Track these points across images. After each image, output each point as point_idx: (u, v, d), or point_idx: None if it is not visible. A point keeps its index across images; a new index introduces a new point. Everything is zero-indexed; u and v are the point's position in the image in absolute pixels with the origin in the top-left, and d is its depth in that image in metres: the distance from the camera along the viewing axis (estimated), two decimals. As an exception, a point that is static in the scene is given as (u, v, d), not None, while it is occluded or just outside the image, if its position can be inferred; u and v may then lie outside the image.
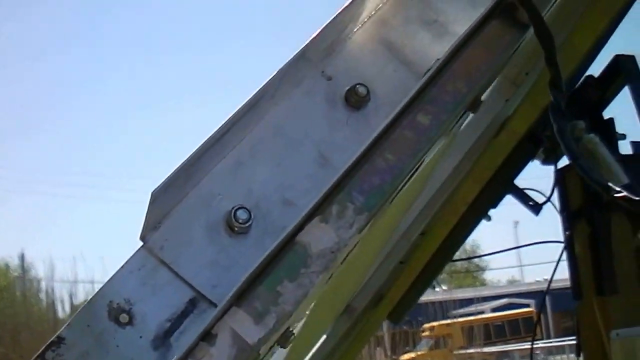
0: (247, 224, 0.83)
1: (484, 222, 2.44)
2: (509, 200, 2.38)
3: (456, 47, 0.96)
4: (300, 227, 0.83)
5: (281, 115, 0.91)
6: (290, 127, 0.91)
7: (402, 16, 1.02)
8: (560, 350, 17.97)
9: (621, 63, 2.37)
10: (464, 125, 1.95)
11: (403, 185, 1.17)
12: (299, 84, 0.94)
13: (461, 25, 0.99)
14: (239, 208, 0.84)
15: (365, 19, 1.00)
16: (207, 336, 0.78)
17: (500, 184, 2.18)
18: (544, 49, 0.96)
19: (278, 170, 0.88)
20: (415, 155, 0.89)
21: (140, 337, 0.78)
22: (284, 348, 0.84)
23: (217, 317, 0.78)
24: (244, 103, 0.88)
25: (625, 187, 0.88)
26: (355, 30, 0.99)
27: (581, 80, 2.37)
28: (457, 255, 2.67)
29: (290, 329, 0.84)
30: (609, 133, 2.38)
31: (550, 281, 2.51)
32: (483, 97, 2.05)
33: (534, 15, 0.95)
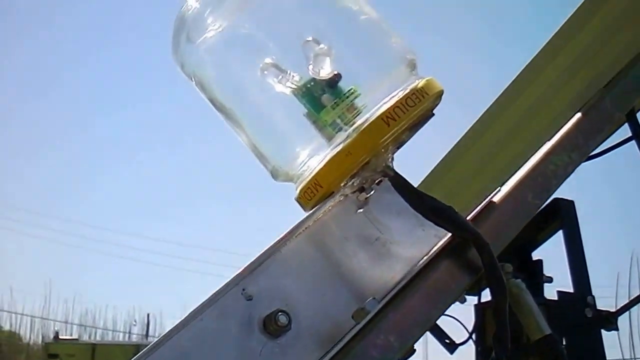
0: None
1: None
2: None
3: (397, 292, 0.91)
4: None
5: (189, 338, 0.86)
6: (197, 353, 0.86)
7: (340, 231, 0.98)
8: None
9: (559, 207, 2.36)
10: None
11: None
12: (215, 301, 0.89)
13: (405, 247, 0.95)
14: None
15: (300, 232, 0.95)
16: None
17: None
18: (494, 300, 0.91)
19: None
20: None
21: None
22: None
23: None
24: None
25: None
26: (285, 244, 0.94)
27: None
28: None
29: None
30: (536, 275, 2.37)
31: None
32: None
33: (489, 259, 0.91)
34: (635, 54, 1.11)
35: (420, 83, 0.91)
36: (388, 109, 0.88)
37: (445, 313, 2.29)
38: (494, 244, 0.94)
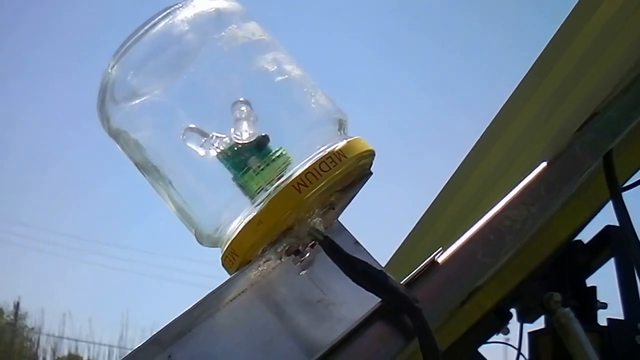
0: None
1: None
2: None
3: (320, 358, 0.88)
4: None
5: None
6: None
7: (280, 294, 0.95)
8: None
9: (610, 234, 2.26)
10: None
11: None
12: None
13: (349, 308, 0.92)
14: None
15: (233, 297, 0.93)
16: None
17: (461, 351, 2.09)
18: None
19: None
20: None
21: None
22: None
23: None
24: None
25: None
26: (219, 308, 0.91)
27: (569, 244, 2.27)
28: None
29: None
30: (589, 302, 2.28)
31: None
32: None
33: (421, 326, 0.86)
34: (609, 94, 1.03)
35: (340, 145, 0.86)
36: (299, 174, 0.84)
37: (494, 340, 2.23)
38: (433, 308, 0.89)
